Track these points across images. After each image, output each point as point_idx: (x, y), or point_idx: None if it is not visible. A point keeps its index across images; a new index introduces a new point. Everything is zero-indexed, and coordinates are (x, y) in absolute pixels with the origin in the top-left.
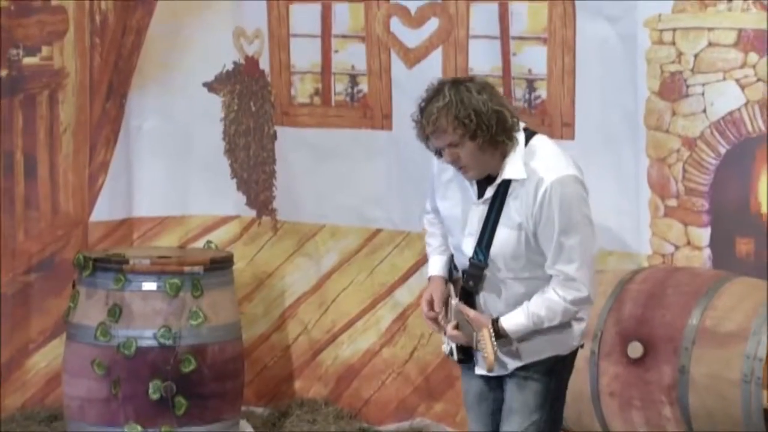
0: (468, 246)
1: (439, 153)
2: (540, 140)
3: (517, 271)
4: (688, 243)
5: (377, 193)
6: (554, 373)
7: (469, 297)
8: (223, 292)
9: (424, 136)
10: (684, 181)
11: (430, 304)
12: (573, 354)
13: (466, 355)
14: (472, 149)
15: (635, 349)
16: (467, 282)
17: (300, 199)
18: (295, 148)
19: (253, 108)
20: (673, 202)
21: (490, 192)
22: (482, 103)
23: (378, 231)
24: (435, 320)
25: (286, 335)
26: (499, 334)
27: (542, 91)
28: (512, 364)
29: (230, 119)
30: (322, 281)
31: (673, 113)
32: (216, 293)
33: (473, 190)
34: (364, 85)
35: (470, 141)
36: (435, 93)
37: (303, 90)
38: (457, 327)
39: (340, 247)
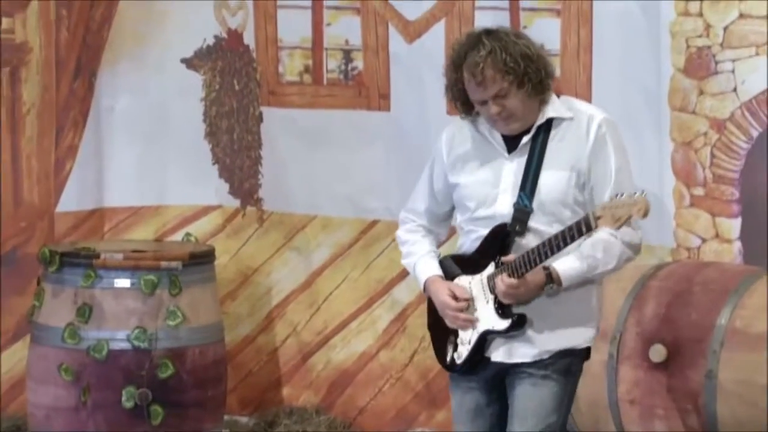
0: (504, 202)
1: (467, 111)
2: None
3: (563, 222)
4: (717, 235)
5: (374, 180)
6: (571, 374)
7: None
8: (203, 289)
9: (459, 93)
10: (712, 167)
11: (455, 297)
12: (587, 354)
13: (473, 361)
14: (521, 97)
15: (658, 353)
16: (509, 237)
17: (288, 188)
18: (283, 132)
19: (237, 87)
20: (699, 191)
21: (526, 138)
22: (526, 47)
23: (374, 222)
24: (462, 314)
25: (274, 337)
26: (551, 281)
27: (556, 69)
28: (530, 352)
29: (211, 99)
30: (312, 278)
31: (700, 92)
32: (196, 291)
33: (501, 148)
34: (359, 62)
35: (518, 88)
36: (472, 44)
37: (292, 67)
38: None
39: (333, 241)
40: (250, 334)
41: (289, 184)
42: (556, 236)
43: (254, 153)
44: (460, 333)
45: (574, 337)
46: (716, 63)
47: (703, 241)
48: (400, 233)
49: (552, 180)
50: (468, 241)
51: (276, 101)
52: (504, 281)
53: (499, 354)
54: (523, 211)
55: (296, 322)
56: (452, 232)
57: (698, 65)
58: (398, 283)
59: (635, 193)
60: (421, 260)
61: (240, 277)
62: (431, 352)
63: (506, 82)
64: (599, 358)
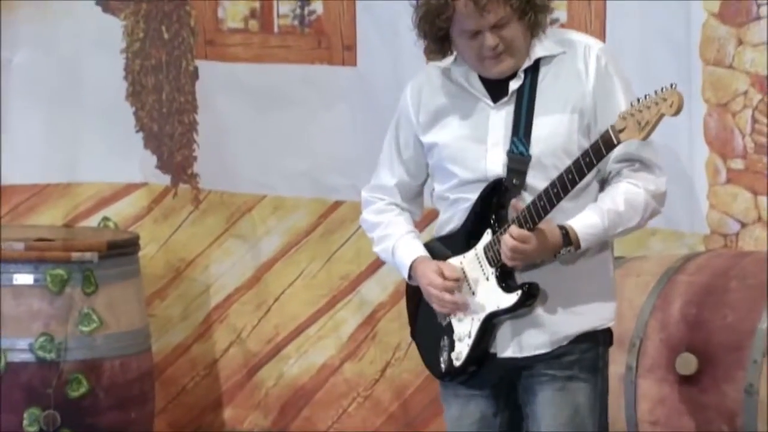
0: (495, 158)
1: (443, 51)
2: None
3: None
4: (759, 219)
5: (336, 152)
6: (599, 369)
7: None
8: (125, 287)
9: (440, 24)
10: (753, 134)
11: (442, 274)
12: (610, 337)
13: (476, 359)
14: (521, 30)
15: (687, 363)
16: (505, 194)
17: (230, 161)
18: (225, 91)
19: (166, 35)
20: (738, 164)
21: (515, 84)
22: None
23: (337, 204)
24: (449, 294)
25: (212, 346)
26: (569, 242)
27: (561, 13)
28: (545, 340)
29: (134, 51)
30: (260, 272)
31: (739, 43)
32: (116, 289)
33: (483, 96)
34: (318, 5)
35: (519, 19)
36: None
37: (234, 11)
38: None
39: (286, 227)
40: (183, 342)
41: (231, 156)
42: (568, 168)
43: (188, 118)
44: (456, 328)
45: (594, 316)
46: (758, 6)
47: (743, 225)
48: (368, 216)
49: (550, 125)
50: (457, 213)
51: (215, 53)
52: (513, 233)
53: (507, 348)
54: (519, 160)
55: (240, 328)
56: (427, 218)
57: (736, 9)
58: (367, 279)
59: (661, 88)
60: (401, 242)
61: (170, 271)
62: (408, 363)
63: (509, 9)
64: (615, 370)
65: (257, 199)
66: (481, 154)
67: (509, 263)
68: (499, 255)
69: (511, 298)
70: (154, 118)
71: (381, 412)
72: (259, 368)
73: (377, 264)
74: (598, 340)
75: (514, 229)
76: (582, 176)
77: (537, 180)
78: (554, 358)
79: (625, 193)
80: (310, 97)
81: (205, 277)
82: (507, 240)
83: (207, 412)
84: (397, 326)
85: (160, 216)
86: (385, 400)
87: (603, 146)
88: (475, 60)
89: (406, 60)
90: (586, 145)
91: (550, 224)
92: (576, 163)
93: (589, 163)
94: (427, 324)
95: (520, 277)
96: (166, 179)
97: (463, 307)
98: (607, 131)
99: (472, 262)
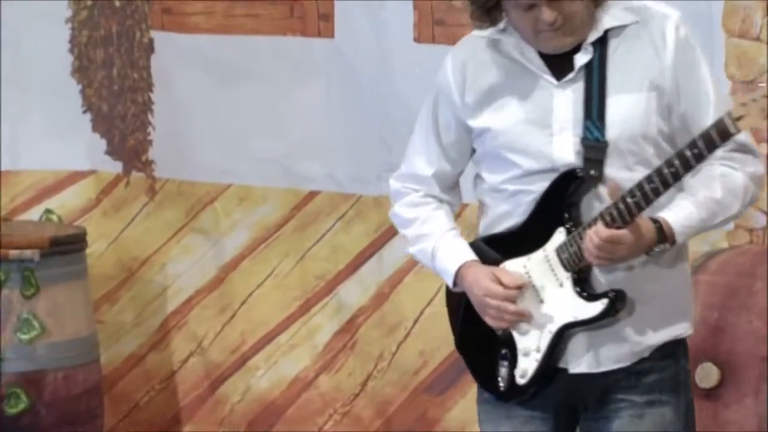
0: (564, 145)
1: (492, 20)
2: None
3: (648, 164)
4: None
5: (311, 135)
6: (680, 385)
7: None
8: (70, 289)
9: None
10: None
11: (500, 282)
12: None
13: (544, 378)
14: (584, 2)
15: (707, 375)
16: (581, 186)
17: (191, 146)
18: (184, 67)
19: (118, 3)
20: (764, 148)
21: (583, 58)
22: None
23: (312, 195)
24: (512, 305)
25: (170, 356)
26: (663, 238)
27: None
28: (624, 353)
29: (81, 20)
30: (225, 272)
31: (767, 13)
32: (59, 291)
33: (544, 73)
34: None
35: None
36: None
37: None
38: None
39: (254, 220)
40: (136, 351)
41: (191, 140)
42: (669, 161)
43: (142, 97)
44: (520, 341)
45: (676, 323)
46: None
47: None
48: (400, 210)
49: (626, 106)
50: (518, 207)
51: (173, 23)
52: (602, 234)
53: (581, 363)
54: (594, 147)
55: (202, 335)
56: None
57: None
58: (346, 280)
59: None
60: (443, 242)
61: (122, 271)
62: (392, 375)
63: None
64: None
65: (221, 189)
66: (545, 140)
67: (596, 263)
68: (577, 257)
69: (594, 308)
70: (104, 97)
71: (361, 430)
72: (222, 381)
73: (357, 262)
74: (678, 351)
75: (602, 228)
76: (688, 170)
77: (614, 170)
78: (631, 377)
79: (723, 177)
80: (281, 74)
81: (161, 277)
82: (592, 240)
83: (163, 430)
84: (379, 333)
85: (110, 208)
86: (365, 417)
87: (718, 136)
88: (531, 34)
89: (391, 31)
90: (666, 128)
91: (643, 219)
92: (681, 155)
93: (698, 156)
94: (476, 334)
95: (598, 282)
96: (117, 166)
97: (527, 319)
98: (721, 120)
99: (540, 266)
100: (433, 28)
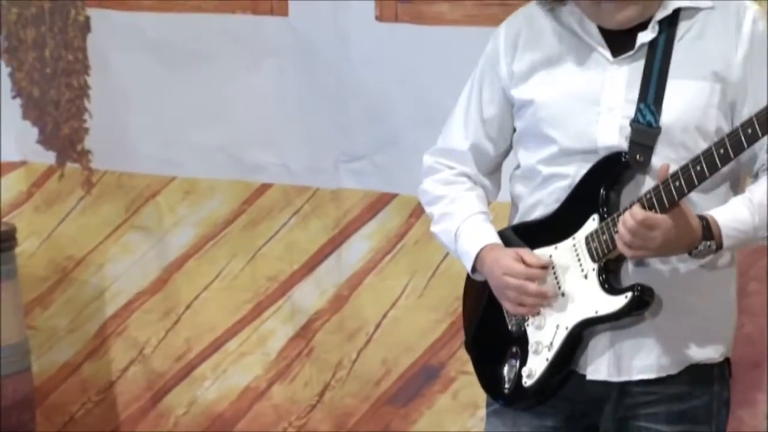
0: (610, 125)
1: None
2: None
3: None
4: None
5: (263, 123)
6: (713, 416)
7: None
8: None
9: None
10: None
11: (522, 261)
12: (727, 370)
13: (555, 381)
14: None
15: None
16: (624, 173)
17: (131, 134)
18: (123, 47)
19: None
20: None
21: (646, 36)
22: None
23: (265, 187)
24: (533, 285)
25: (108, 365)
26: (710, 236)
27: None
28: (649, 363)
29: None
30: (168, 273)
31: None
32: None
33: (601, 47)
34: None
35: None
36: None
37: None
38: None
39: (200, 216)
40: (71, 360)
41: (131, 128)
42: (721, 141)
43: (78, 80)
44: (533, 337)
45: (712, 344)
46: None
47: None
48: (429, 186)
49: (687, 93)
50: (551, 194)
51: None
52: (637, 215)
53: (600, 368)
54: (645, 132)
55: (143, 342)
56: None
57: None
58: (301, 281)
59: None
60: (468, 224)
61: (56, 272)
62: (353, 386)
63: None
64: None
65: (164, 182)
66: (591, 117)
67: (627, 253)
68: (607, 246)
69: (617, 302)
70: (35, 81)
71: None
72: (166, 392)
73: (314, 262)
74: (712, 376)
75: (637, 209)
76: (739, 151)
77: (662, 159)
78: (657, 400)
79: None
80: (230, 55)
81: (98, 279)
82: (627, 220)
83: None
84: (338, 339)
85: (43, 203)
86: (323, 430)
87: None
88: (591, 5)
89: (350, 8)
90: (725, 127)
91: (688, 210)
92: (734, 134)
93: (752, 136)
94: (490, 332)
95: (629, 279)
96: (50, 157)
97: (550, 303)
98: None
99: (566, 254)
100: (397, 5)
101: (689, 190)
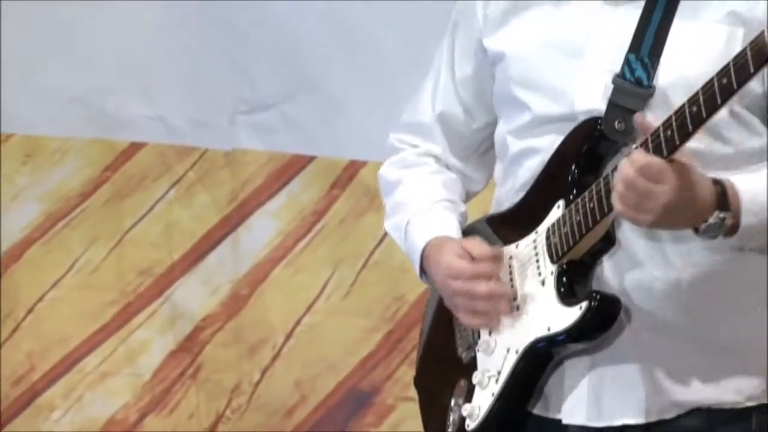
0: (591, 83)
1: None
2: None
3: (716, 133)
4: None
5: (133, 63)
6: None
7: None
8: None
9: None
10: None
11: (468, 255)
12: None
13: (504, 422)
14: None
15: None
16: (599, 144)
17: None
18: None
19: None
20: None
21: None
22: None
23: (135, 148)
24: (485, 284)
25: None
26: (725, 207)
27: None
28: (637, 405)
29: None
30: (4, 264)
31: None
32: None
33: None
34: None
35: None
36: None
37: None
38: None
39: (48, 188)
40: None
41: None
42: (725, 70)
43: None
44: (480, 363)
45: (734, 381)
46: None
47: None
48: (386, 171)
49: (697, 41)
50: (520, 176)
51: None
52: (637, 160)
53: (577, 410)
54: (631, 92)
55: None
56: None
57: None
58: (185, 275)
59: None
60: (423, 215)
61: None
62: (254, 417)
63: None
64: None
65: None
66: (569, 73)
67: (620, 207)
68: (567, 241)
69: (569, 316)
70: None
71: None
72: (2, 425)
73: (201, 249)
74: (735, 428)
75: (639, 155)
76: (744, 81)
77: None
78: None
79: None
80: None
81: None
82: (626, 169)
83: None
84: (234, 354)
85: None
86: None
87: None
88: None
89: None
90: (758, 88)
91: (697, 170)
92: (740, 56)
93: (759, 56)
94: (438, 359)
95: (605, 286)
96: None
97: (506, 306)
98: None
99: (525, 254)
100: None
101: (694, 130)
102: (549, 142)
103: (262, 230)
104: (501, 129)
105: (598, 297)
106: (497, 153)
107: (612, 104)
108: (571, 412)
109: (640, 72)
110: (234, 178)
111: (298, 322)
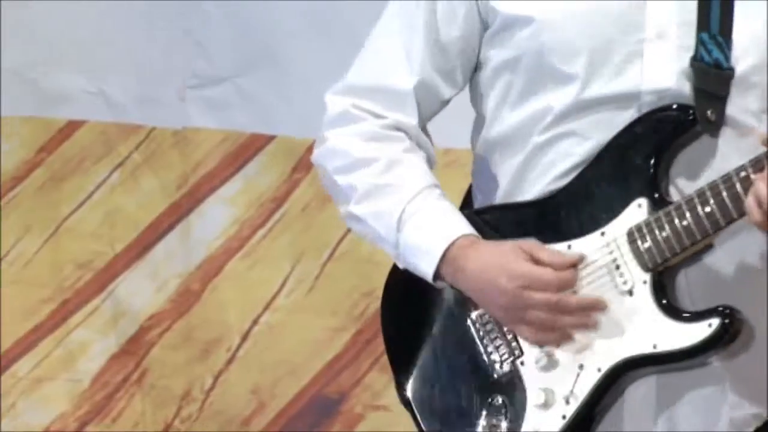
0: (662, 60)
1: None
2: None
3: None
4: None
5: (71, 31)
6: None
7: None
8: None
9: None
10: None
11: (532, 257)
12: None
13: None
14: None
15: None
16: (685, 132)
17: None
18: None
19: None
20: None
21: None
22: None
23: (73, 126)
24: (575, 298)
25: None
26: None
27: None
28: (715, 418)
29: None
30: None
31: None
32: None
33: None
34: None
35: None
36: None
37: None
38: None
39: None
40: None
41: None
42: None
43: None
44: (533, 379)
45: None
46: None
47: None
48: (342, 142)
49: (764, 10)
50: (558, 160)
51: None
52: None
53: (643, 422)
54: (713, 77)
55: None
56: None
57: None
58: (128, 269)
59: None
60: (421, 202)
61: None
62: (207, 425)
63: None
64: None
65: None
66: (631, 49)
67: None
68: (673, 246)
69: (693, 333)
70: None
71: None
72: None
73: (147, 239)
74: None
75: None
76: None
77: (739, 112)
78: None
79: None
80: None
81: None
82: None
83: None
84: (184, 357)
85: None
86: None
87: None
88: None
89: None
90: None
91: None
92: None
93: None
94: (453, 373)
95: (687, 296)
96: None
97: (593, 320)
98: None
99: (596, 260)
100: None
101: None
102: (589, 126)
103: (216, 218)
104: (522, 113)
105: (728, 312)
106: (502, 140)
107: (699, 91)
108: (636, 424)
109: (717, 53)
110: (184, 160)
111: (255, 321)
